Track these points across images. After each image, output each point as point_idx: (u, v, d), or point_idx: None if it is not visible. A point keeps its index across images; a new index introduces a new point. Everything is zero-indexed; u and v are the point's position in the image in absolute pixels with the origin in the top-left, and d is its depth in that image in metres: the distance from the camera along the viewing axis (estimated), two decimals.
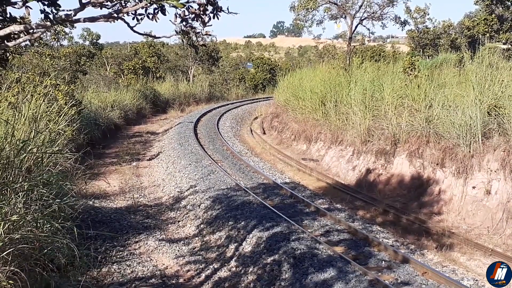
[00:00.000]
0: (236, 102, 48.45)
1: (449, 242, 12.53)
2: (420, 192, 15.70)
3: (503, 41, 31.97)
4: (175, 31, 5.56)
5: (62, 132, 11.91)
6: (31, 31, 5.11)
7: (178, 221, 13.53)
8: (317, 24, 38.09)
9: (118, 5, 5.25)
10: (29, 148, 7.89)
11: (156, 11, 5.23)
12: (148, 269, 10.08)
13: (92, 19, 5.16)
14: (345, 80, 23.83)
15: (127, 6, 5.19)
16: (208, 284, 9.74)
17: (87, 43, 52.99)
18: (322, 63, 36.79)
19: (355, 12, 36.53)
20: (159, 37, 6.22)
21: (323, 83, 25.23)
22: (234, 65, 66.05)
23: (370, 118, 19.35)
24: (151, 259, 10.65)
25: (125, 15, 5.21)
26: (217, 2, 5.38)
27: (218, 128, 30.67)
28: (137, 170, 19.37)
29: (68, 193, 8.11)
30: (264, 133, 31.31)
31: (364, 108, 19.76)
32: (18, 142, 7.51)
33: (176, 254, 11.09)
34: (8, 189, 6.34)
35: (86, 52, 47.36)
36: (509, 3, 33.71)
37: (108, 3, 5.23)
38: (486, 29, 34.17)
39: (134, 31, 5.61)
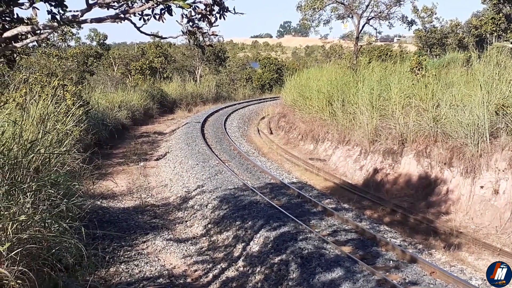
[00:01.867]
0: (243, 102, 48.45)
1: (457, 241, 12.49)
2: (427, 191, 15.65)
3: (510, 40, 31.80)
4: (182, 31, 5.57)
5: (70, 133, 11.96)
6: (38, 32, 5.13)
7: (186, 221, 13.56)
8: (324, 24, 38.06)
9: (125, 5, 5.26)
10: (37, 148, 7.93)
11: (162, 11, 5.24)
12: (155, 268, 10.11)
13: (99, 20, 5.17)
14: (352, 80, 23.78)
15: (133, 7, 5.21)
16: (215, 283, 9.75)
17: (94, 43, 53.12)
18: (329, 63, 36.77)
19: (362, 11, 36.48)
20: (166, 38, 6.24)
21: (330, 83, 25.19)
22: (241, 65, 66.06)
23: (377, 118, 19.31)
24: (158, 259, 10.68)
25: (131, 15, 5.22)
26: (223, 2, 5.39)
27: (225, 128, 30.69)
28: (145, 170, 19.41)
29: (75, 193, 8.15)
30: (271, 133, 31.31)
31: (371, 108, 19.72)
32: (26, 143, 7.54)
33: (183, 254, 11.11)
34: (17, 189, 6.37)
35: (93, 52, 47.44)
36: None
37: (115, 3, 5.24)
38: (494, 28, 34.00)
39: (141, 32, 5.62)
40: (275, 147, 25.71)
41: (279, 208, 13.32)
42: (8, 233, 5.69)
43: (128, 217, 13.38)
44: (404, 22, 37.77)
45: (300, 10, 36.97)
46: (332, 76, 26.16)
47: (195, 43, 5.82)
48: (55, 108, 12.13)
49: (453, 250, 11.83)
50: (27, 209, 6.17)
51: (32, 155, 7.47)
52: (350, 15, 37.13)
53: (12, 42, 5.24)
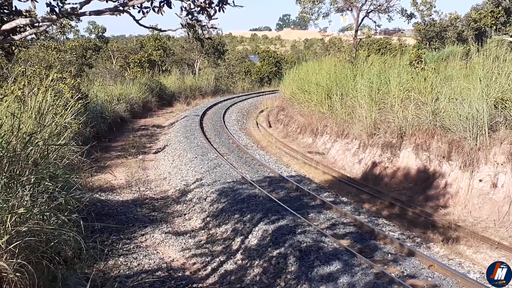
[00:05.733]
0: (242, 95, 48.44)
1: (455, 235, 12.51)
2: (426, 185, 15.67)
3: (510, 34, 31.75)
4: (181, 24, 5.56)
5: (69, 126, 11.94)
6: (36, 24, 5.12)
7: (184, 214, 13.57)
8: (323, 17, 37.94)
9: None
10: (36, 141, 7.91)
11: (161, 4, 5.24)
12: (154, 261, 10.12)
13: (98, 12, 5.16)
14: (351, 73, 23.77)
15: (132, 0, 5.19)
16: (214, 276, 9.76)
17: (93, 36, 53.20)
18: (328, 56, 36.72)
19: (361, 4, 36.33)
20: (165, 30, 6.23)
21: (329, 76, 25.19)
22: (240, 58, 65.96)
23: (376, 111, 19.30)
24: (157, 252, 10.69)
25: (130, 8, 5.22)
26: None
27: (224, 122, 30.68)
28: (143, 163, 19.41)
29: (74, 186, 8.13)
30: (270, 126, 31.31)
31: (370, 101, 19.71)
32: (24, 136, 7.53)
33: (182, 247, 11.12)
34: (15, 182, 6.36)
35: (92, 45, 47.49)
36: None
37: None
38: (493, 22, 33.99)
39: (140, 24, 5.62)
40: (274, 140, 25.71)
41: (278, 201, 13.32)
42: (7, 226, 5.68)
43: (126, 210, 13.39)
44: (404, 15, 37.69)
45: (299, 3, 36.88)
46: (331, 70, 26.15)
47: (194, 36, 5.82)
48: (53, 101, 12.11)
49: (451, 244, 11.85)
50: (26, 202, 6.16)
51: (31, 148, 7.45)
52: (350, 8, 36.99)
53: (11, 34, 5.23)
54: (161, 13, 5.28)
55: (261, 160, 19.72)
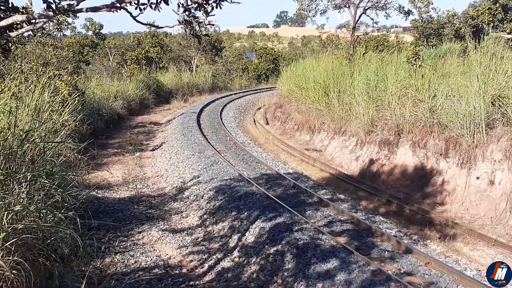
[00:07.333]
0: (239, 93, 48.42)
1: (452, 232, 12.52)
2: (423, 182, 15.67)
3: (507, 31, 31.76)
4: (178, 21, 5.55)
5: (65, 123, 11.92)
6: (33, 21, 5.10)
7: (181, 212, 13.55)
8: (320, 13, 38.06)
9: None
10: (32, 138, 7.89)
11: (158, 0, 5.22)
12: (151, 259, 10.11)
13: (95, 9, 5.15)
14: (349, 70, 23.75)
15: None
16: (211, 274, 9.76)
17: (90, 33, 53.06)
18: (325, 53, 36.72)
19: (359, 1, 36.33)
20: (162, 27, 6.20)
21: (326, 73, 25.15)
22: (237, 55, 65.90)
23: (373, 109, 19.29)
24: (154, 249, 10.68)
25: (127, 4, 5.20)
26: None
27: (221, 119, 30.66)
28: (140, 161, 19.38)
29: (71, 184, 8.11)
30: (267, 123, 31.28)
31: (367, 98, 19.70)
32: (21, 133, 7.50)
33: (179, 244, 11.11)
34: (12, 179, 6.34)
35: (89, 42, 47.35)
36: None
37: None
38: (490, 19, 34.00)
39: (137, 21, 5.60)
40: (271, 137, 25.70)
41: (275, 198, 13.32)
42: (3, 224, 5.66)
43: (123, 208, 13.37)
44: (401, 12, 37.72)
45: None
46: (328, 67, 26.12)
47: (191, 33, 5.80)
48: (50, 98, 12.08)
49: (448, 241, 11.85)
50: (22, 199, 6.14)
51: (27, 145, 7.44)
52: (347, 5, 37.02)
53: (7, 31, 5.22)
54: (158, 10, 5.26)
55: (258, 158, 19.70)
